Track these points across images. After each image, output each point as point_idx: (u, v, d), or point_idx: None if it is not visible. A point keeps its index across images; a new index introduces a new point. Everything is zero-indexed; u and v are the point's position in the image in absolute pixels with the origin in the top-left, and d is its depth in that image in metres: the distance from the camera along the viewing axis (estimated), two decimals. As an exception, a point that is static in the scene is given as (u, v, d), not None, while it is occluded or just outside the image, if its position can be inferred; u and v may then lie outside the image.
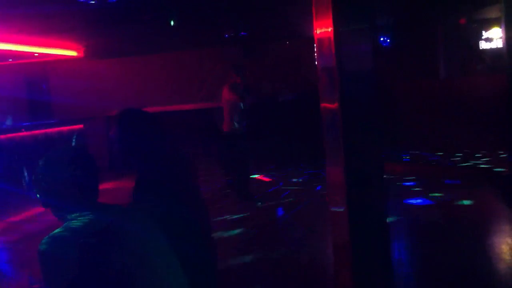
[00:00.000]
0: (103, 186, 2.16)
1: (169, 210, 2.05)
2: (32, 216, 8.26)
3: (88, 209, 1.97)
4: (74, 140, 9.98)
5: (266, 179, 10.21)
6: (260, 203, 8.02)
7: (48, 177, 2.00)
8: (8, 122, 10.33)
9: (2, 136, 9.00)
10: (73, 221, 1.96)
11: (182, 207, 2.10)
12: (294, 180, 9.93)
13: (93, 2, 7.88)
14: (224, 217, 7.29)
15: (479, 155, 10.27)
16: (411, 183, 8.71)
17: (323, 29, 3.77)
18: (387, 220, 3.71)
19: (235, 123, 7.97)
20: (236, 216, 7.43)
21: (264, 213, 7.61)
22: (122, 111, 2.38)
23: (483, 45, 12.53)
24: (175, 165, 2.26)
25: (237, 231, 6.73)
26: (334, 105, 3.57)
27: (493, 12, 11.49)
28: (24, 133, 9.50)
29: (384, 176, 3.79)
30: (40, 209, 8.12)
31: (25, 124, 10.63)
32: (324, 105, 3.78)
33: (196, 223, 2.18)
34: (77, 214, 1.97)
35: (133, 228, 1.90)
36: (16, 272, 5.73)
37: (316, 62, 4.00)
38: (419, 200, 7.63)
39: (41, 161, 2.04)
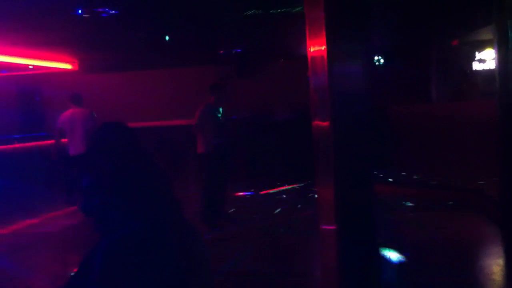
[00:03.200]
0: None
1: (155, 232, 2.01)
2: (21, 229, 8.23)
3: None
4: None
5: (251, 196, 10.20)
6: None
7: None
8: None
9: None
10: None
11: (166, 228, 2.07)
12: (283, 198, 9.91)
13: (87, 15, 7.89)
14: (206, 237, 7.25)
15: (470, 178, 10.28)
16: (402, 204, 8.71)
17: (316, 47, 3.79)
18: (376, 239, 3.69)
19: (208, 144, 7.71)
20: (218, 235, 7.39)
21: (249, 232, 7.57)
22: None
23: (476, 66, 12.62)
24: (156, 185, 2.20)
25: (220, 249, 6.69)
26: (325, 123, 3.57)
27: (486, 33, 11.59)
28: (16, 145, 9.46)
29: (374, 195, 3.79)
30: (29, 222, 8.06)
31: (17, 136, 10.59)
32: (315, 123, 3.78)
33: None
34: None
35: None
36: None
37: (309, 81, 4.02)
38: (408, 220, 7.63)
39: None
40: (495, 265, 5.62)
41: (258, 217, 8.42)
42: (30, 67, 11.82)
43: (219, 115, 7.81)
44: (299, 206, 9.03)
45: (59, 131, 8.80)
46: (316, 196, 3.86)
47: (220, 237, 7.28)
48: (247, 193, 10.47)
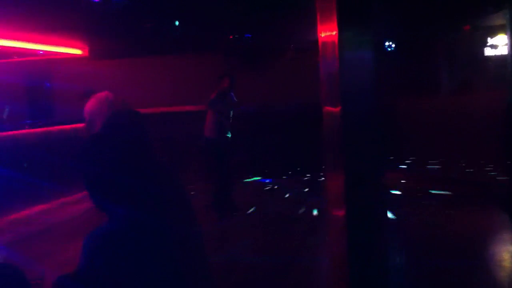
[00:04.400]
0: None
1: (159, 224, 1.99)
2: (30, 216, 8.27)
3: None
4: None
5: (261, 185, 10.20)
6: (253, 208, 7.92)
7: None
8: (6, 112, 10.28)
9: (4, 134, 8.98)
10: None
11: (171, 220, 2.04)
12: (290, 187, 9.89)
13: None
14: (216, 224, 7.26)
15: (481, 167, 10.21)
16: (413, 192, 8.68)
17: (327, 32, 3.75)
18: (388, 227, 3.68)
19: (218, 131, 7.74)
20: (229, 224, 7.39)
21: (258, 221, 7.57)
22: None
23: (488, 52, 12.49)
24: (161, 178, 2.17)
25: (230, 238, 6.70)
26: (336, 109, 3.55)
27: (499, 19, 11.46)
28: (26, 131, 9.48)
29: (384, 183, 3.77)
30: (39, 208, 8.07)
31: (28, 122, 10.61)
32: (326, 109, 3.76)
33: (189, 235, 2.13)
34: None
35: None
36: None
37: (318, 70, 4.00)
38: (419, 209, 7.61)
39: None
40: (505, 252, 5.60)
41: (265, 207, 8.42)
42: (40, 52, 11.82)
43: (229, 104, 7.84)
44: (305, 196, 9.02)
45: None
46: (323, 186, 3.85)
47: (226, 226, 7.29)
48: (252, 181, 10.47)
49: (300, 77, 12.11)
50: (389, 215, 6.72)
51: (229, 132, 7.87)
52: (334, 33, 3.61)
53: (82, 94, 8.98)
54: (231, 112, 7.91)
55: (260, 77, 12.57)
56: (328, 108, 3.72)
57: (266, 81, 12.62)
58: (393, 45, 12.46)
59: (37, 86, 13.78)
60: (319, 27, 3.87)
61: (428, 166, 10.64)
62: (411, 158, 11.26)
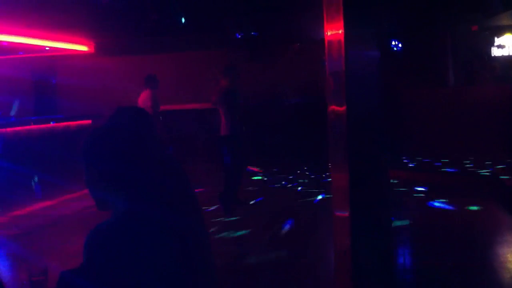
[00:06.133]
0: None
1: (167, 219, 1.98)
2: (35, 211, 8.29)
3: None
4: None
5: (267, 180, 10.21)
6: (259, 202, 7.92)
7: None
8: (15, 106, 10.32)
9: (10, 129, 9.00)
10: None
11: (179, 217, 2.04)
12: (297, 182, 9.90)
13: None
14: (219, 219, 7.27)
15: (485, 163, 10.19)
16: (417, 190, 8.66)
17: (333, 31, 3.75)
18: (392, 226, 3.68)
19: (231, 127, 7.66)
20: (232, 219, 7.40)
21: (264, 216, 7.58)
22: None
23: (495, 52, 12.47)
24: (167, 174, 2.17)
25: (235, 233, 6.70)
26: (341, 108, 3.54)
27: (506, 19, 11.44)
28: (32, 127, 9.50)
29: (389, 180, 3.77)
30: (44, 204, 8.09)
31: (33, 118, 10.63)
32: (331, 108, 3.76)
33: (195, 230, 2.12)
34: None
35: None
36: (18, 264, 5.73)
37: (324, 66, 3.99)
38: (423, 207, 7.60)
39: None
40: (510, 254, 5.58)
41: (271, 201, 8.43)
42: (46, 48, 11.84)
43: (235, 98, 7.80)
44: (311, 190, 9.02)
45: None
46: (328, 181, 3.84)
47: (232, 221, 7.30)
48: (258, 176, 10.48)
49: (307, 68, 12.14)
50: (392, 213, 6.71)
51: (242, 128, 7.83)
52: (340, 31, 3.61)
53: (146, 77, 9.25)
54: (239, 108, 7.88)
55: (265, 71, 12.58)
56: (334, 107, 3.72)
57: (272, 74, 12.63)
58: (400, 45, 12.44)
59: (43, 82, 13.81)
60: (325, 25, 3.86)
61: (433, 164, 10.64)
62: (414, 154, 11.27)
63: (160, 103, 9.84)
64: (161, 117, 9.28)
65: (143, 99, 9.57)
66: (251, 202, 8.25)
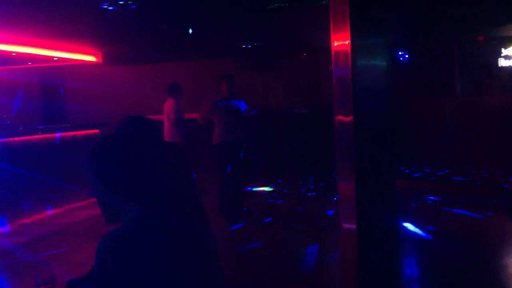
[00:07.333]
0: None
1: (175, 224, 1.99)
2: (42, 219, 8.32)
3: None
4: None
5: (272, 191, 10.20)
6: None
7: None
8: (15, 107, 10.34)
9: (17, 139, 9.05)
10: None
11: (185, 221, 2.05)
12: (301, 192, 9.89)
13: (115, 8, 7.90)
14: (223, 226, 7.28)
15: (491, 172, 10.17)
16: (424, 198, 8.65)
17: (340, 42, 3.76)
18: (398, 236, 3.67)
19: (223, 135, 7.66)
20: (237, 226, 7.41)
21: (268, 225, 7.58)
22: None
23: (502, 62, 12.46)
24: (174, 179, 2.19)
25: (239, 241, 6.71)
26: (348, 118, 3.55)
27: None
28: (39, 136, 9.54)
29: (396, 192, 3.76)
30: (51, 212, 8.11)
31: (41, 127, 10.67)
32: (338, 118, 3.76)
33: (201, 237, 2.14)
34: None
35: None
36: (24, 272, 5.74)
37: (331, 75, 4.00)
38: (430, 215, 7.58)
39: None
40: (518, 264, 5.55)
41: (275, 212, 8.42)
42: (54, 58, 11.93)
43: (232, 106, 7.76)
44: (317, 200, 9.01)
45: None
46: (336, 191, 3.84)
47: (237, 231, 7.29)
48: (264, 188, 10.47)
49: (313, 77, 12.15)
50: (400, 222, 6.70)
51: (239, 138, 7.78)
52: (347, 42, 3.62)
53: (169, 85, 9.23)
54: (239, 116, 7.82)
55: (272, 80, 12.61)
56: (340, 117, 3.72)
57: (278, 84, 12.66)
58: (407, 55, 12.47)
59: (52, 91, 13.90)
60: (332, 35, 3.88)
61: (439, 173, 10.62)
62: (421, 164, 11.25)
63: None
64: (182, 129, 9.16)
65: (167, 108, 9.31)
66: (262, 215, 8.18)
